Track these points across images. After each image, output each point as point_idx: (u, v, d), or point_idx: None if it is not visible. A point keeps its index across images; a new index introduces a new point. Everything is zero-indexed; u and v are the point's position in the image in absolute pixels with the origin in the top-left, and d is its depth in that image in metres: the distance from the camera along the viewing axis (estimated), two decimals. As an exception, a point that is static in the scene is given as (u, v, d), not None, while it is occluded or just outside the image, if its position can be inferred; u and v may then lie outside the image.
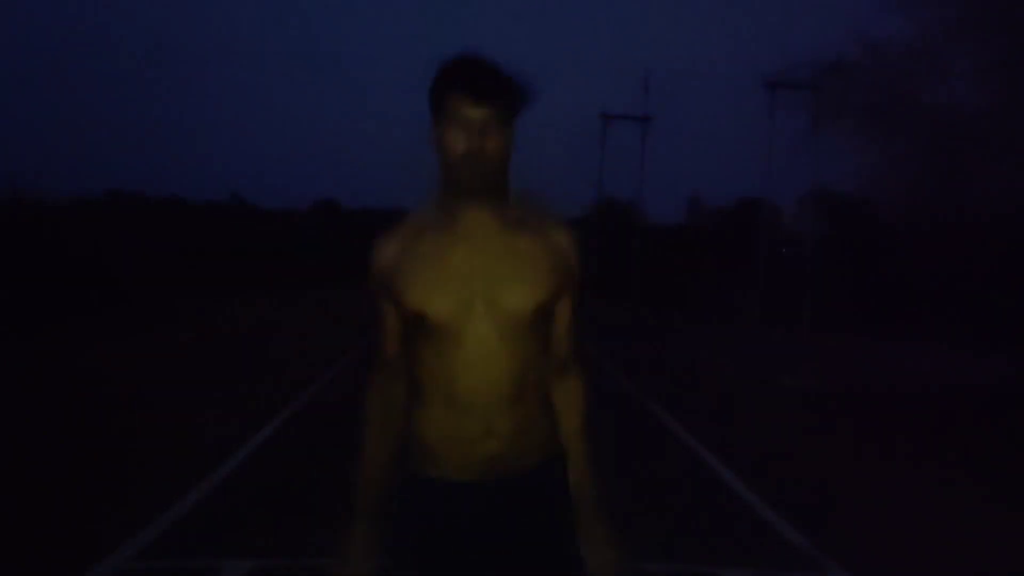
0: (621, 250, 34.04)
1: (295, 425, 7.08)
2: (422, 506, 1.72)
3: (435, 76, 1.69)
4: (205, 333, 15.01)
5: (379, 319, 1.79)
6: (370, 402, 1.83)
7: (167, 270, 24.53)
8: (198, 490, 4.97)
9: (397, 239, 1.74)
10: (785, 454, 6.70)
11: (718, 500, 5.32)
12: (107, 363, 10.49)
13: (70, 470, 5.36)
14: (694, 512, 5.04)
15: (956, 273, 11.93)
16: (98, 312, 17.03)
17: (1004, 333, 11.52)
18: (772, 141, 21.79)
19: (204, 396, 8.23)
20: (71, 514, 4.48)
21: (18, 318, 13.97)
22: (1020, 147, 8.08)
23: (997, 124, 8.19)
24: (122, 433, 6.46)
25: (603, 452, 1.79)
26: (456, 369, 1.66)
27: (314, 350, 12.56)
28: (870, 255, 17.18)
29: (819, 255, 16.34)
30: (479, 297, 1.66)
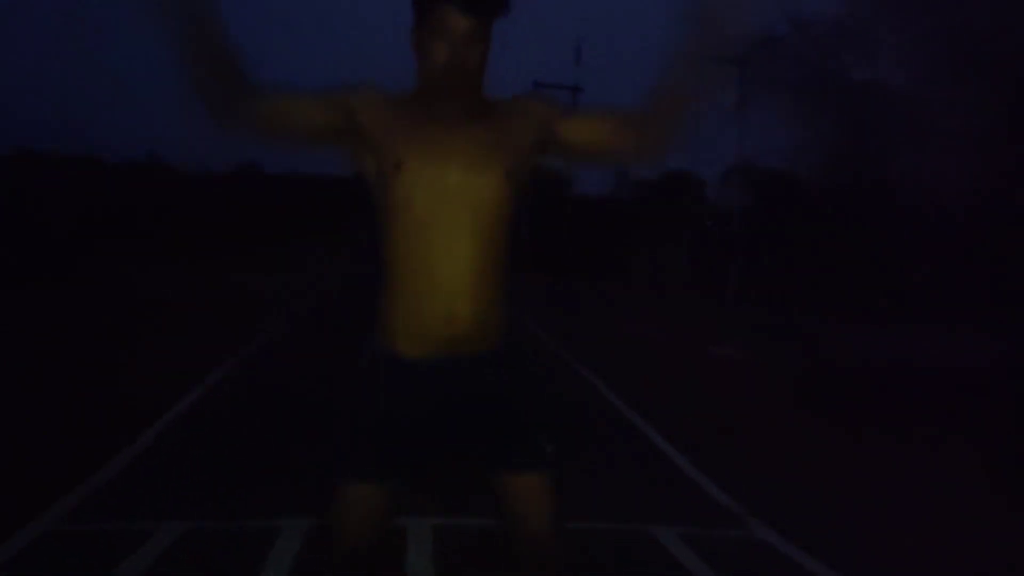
0: (551, 221, 34.19)
1: (225, 389, 6.97)
2: (386, 380, 1.82)
3: None
4: (125, 297, 14.55)
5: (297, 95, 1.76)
6: None
7: (81, 231, 23.53)
8: (127, 453, 4.89)
9: (383, 95, 1.78)
10: (711, 418, 6.94)
11: (645, 460, 5.51)
12: (30, 324, 10.11)
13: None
14: (622, 472, 5.21)
15: (877, 247, 12.45)
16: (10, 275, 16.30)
17: (925, 306, 12.09)
18: (700, 115, 22.08)
19: (128, 359, 8.01)
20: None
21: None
22: (941, 123, 8.44)
23: (919, 101, 8.55)
24: (47, 394, 6.27)
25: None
26: (424, 250, 1.73)
27: (237, 321, 12.32)
28: (794, 229, 17.73)
29: (743, 229, 16.76)
30: (450, 180, 1.72)
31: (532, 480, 1.85)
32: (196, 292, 16.12)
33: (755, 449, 5.91)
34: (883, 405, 7.62)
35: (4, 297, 13.01)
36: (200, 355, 8.34)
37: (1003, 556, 4.02)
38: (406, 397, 1.81)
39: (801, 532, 4.06)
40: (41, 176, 27.37)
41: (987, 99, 7.65)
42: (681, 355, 10.50)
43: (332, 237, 32.73)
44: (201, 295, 15.57)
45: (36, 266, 17.64)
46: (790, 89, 10.20)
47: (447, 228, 1.72)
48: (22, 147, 37.31)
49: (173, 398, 6.37)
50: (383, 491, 1.83)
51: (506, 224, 1.79)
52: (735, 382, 8.85)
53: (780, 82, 10.45)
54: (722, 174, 28.51)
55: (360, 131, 1.76)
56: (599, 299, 19.53)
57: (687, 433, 6.13)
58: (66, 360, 7.86)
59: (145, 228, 28.46)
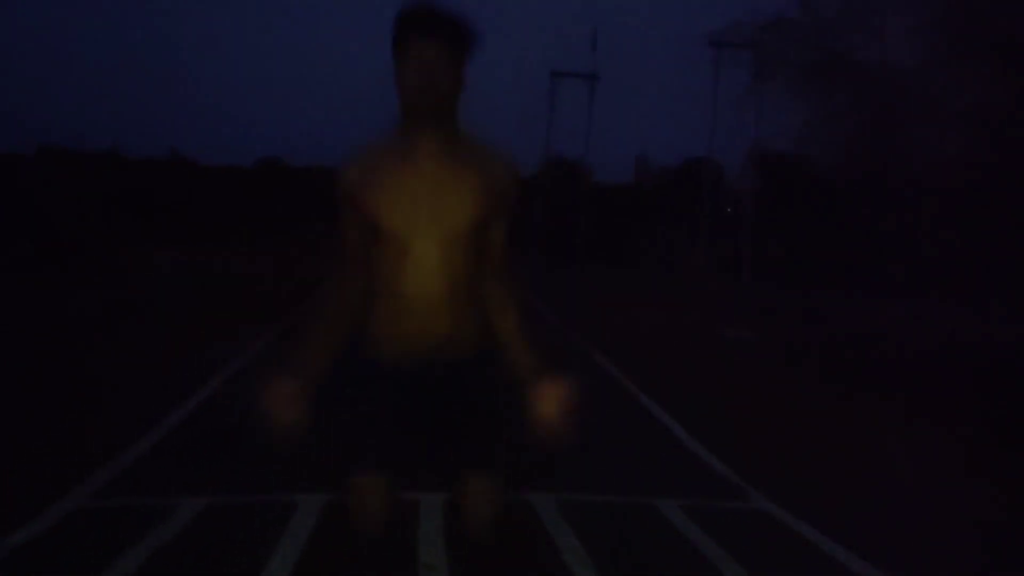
0: (569, 210, 34.20)
1: (245, 374, 7.16)
2: (376, 381, 2.11)
3: (394, 21, 1.96)
4: (156, 286, 14.82)
5: (343, 227, 2.09)
6: (330, 292, 2.12)
7: (106, 225, 23.86)
8: (155, 432, 5.11)
9: (359, 162, 2.05)
10: (718, 398, 7.05)
11: (652, 436, 5.66)
12: (61, 312, 10.38)
13: (30, 416, 5.42)
14: (632, 448, 5.36)
15: (890, 225, 12.43)
16: (40, 266, 16.63)
17: (939, 282, 12.07)
18: (717, 100, 22.04)
19: (154, 349, 8.23)
20: (30, 456, 4.56)
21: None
22: (948, 103, 8.46)
23: (927, 80, 8.56)
24: (77, 381, 6.51)
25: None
26: (404, 273, 2.00)
27: (260, 306, 12.51)
28: (808, 211, 17.68)
29: (759, 212, 16.73)
30: (425, 216, 1.98)
31: (479, 477, 2.16)
32: (216, 280, 16.35)
33: (759, 425, 6.03)
34: (883, 381, 7.69)
35: (38, 286, 13.32)
36: (223, 338, 8.56)
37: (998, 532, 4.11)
38: (392, 398, 2.10)
39: (800, 503, 4.17)
40: (66, 172, 27.75)
41: (993, 78, 7.66)
42: (695, 338, 10.60)
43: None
44: (219, 283, 15.79)
45: (60, 258, 17.99)
46: (800, 71, 10.23)
47: (421, 257, 1.99)
48: (48, 145, 37.92)
49: (198, 381, 6.60)
50: (383, 478, 2.15)
51: (474, 252, 2.03)
52: (745, 362, 8.94)
53: (790, 64, 10.48)
54: (741, 160, 28.38)
55: (349, 196, 2.04)
56: (616, 285, 19.59)
57: (695, 412, 6.24)
58: (93, 348, 8.10)
59: (171, 220, 28.74)
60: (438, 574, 3.18)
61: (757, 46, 12.86)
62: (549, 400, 2.02)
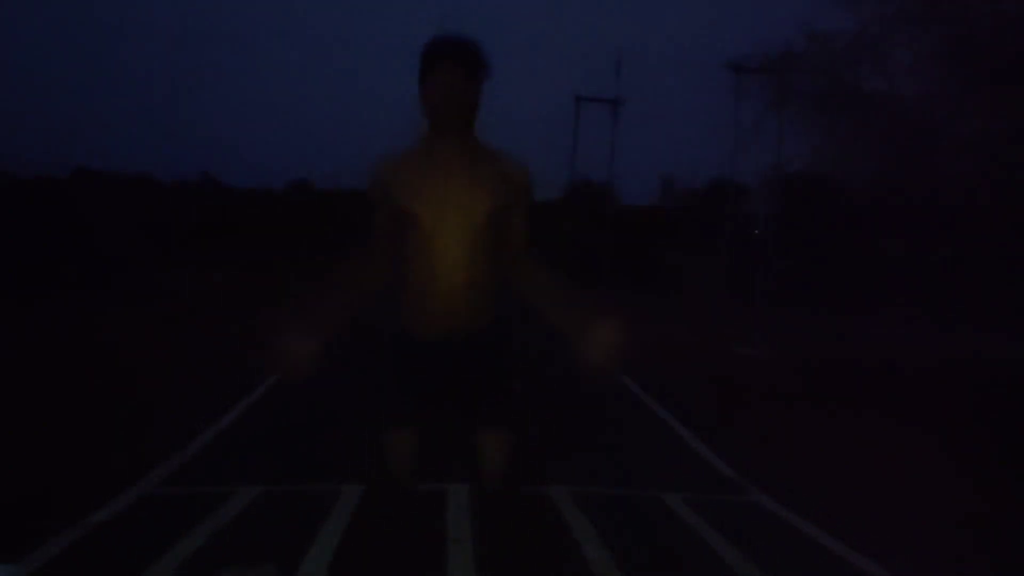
0: (595, 232, 34.36)
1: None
2: (405, 352, 2.48)
3: (422, 48, 2.36)
4: (193, 305, 15.34)
5: (375, 220, 2.45)
6: (347, 269, 2.45)
7: (140, 247, 24.48)
8: (213, 428, 5.67)
9: (390, 162, 2.42)
10: (726, 407, 7.41)
11: (659, 437, 6.10)
12: (113, 327, 10.96)
13: (100, 415, 5.96)
14: (638, 447, 5.80)
15: (902, 249, 12.70)
16: (77, 287, 17.22)
17: (937, 304, 12.31)
18: (738, 123, 22.34)
19: (202, 358, 8.75)
20: (97, 450, 5.08)
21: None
22: (952, 131, 8.79)
23: (931, 110, 8.91)
24: (138, 386, 7.06)
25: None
26: (431, 258, 2.35)
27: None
28: (822, 233, 17.90)
29: (777, 233, 16.98)
30: (449, 207, 2.34)
31: (493, 433, 2.48)
32: (260, 296, 16.83)
33: (760, 431, 6.43)
34: (877, 395, 7.98)
35: (98, 298, 13.90)
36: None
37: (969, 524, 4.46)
38: (419, 366, 2.44)
39: (794, 498, 4.56)
40: (100, 195, 28.46)
41: (993, 105, 8.00)
42: (708, 354, 10.90)
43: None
44: (265, 298, 16.27)
45: (105, 276, 18.59)
46: (809, 100, 10.61)
47: (446, 244, 2.32)
48: (83, 168, 38.78)
49: (251, 384, 7.14)
50: (412, 434, 2.50)
51: (493, 238, 2.36)
52: (753, 376, 9.26)
53: (800, 93, 10.87)
54: (759, 182, 28.54)
55: (382, 189, 2.42)
56: (636, 304, 19.85)
57: (702, 419, 6.63)
58: (153, 360, 8.66)
59: (204, 241, 29.30)
60: (465, 546, 3.61)
61: (772, 73, 13.25)
62: (598, 343, 2.30)
